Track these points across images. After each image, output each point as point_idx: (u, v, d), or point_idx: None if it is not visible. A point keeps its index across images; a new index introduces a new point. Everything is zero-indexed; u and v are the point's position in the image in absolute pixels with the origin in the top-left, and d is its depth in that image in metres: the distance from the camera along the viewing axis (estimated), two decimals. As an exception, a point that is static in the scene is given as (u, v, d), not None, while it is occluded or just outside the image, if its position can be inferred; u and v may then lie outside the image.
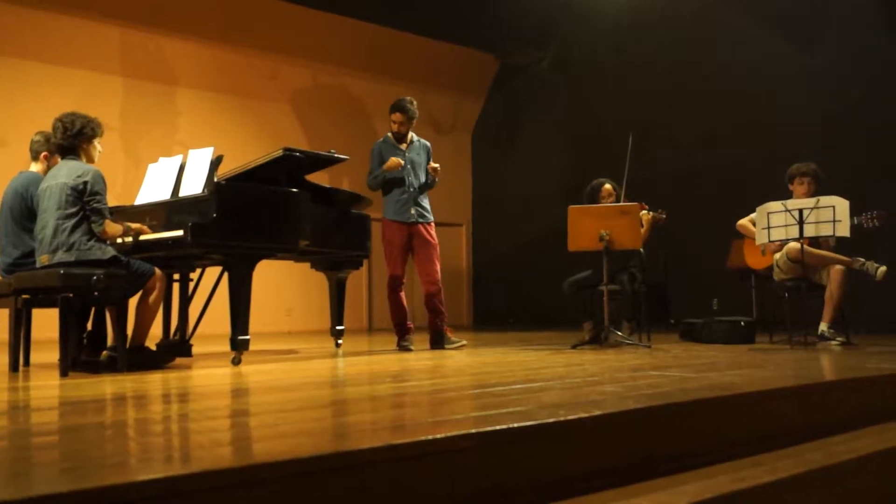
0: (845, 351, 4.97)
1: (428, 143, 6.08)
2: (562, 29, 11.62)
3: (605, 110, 10.80)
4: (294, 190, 4.77)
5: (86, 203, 4.10)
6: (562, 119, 11.73)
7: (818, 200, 5.16)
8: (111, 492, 1.36)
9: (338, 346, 5.86)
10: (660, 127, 9.88)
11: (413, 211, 5.81)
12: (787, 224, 5.23)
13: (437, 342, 5.86)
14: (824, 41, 8.72)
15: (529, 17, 11.14)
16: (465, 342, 5.95)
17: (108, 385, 3.46)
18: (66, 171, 4.17)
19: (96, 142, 4.38)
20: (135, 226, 4.41)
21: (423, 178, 5.94)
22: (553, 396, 2.59)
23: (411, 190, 5.82)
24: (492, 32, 11.50)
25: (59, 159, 4.42)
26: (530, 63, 12.12)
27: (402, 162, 5.78)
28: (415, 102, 5.93)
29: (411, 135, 5.97)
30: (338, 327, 5.84)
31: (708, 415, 2.41)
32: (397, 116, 5.86)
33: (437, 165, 5.93)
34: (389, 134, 5.94)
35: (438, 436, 1.78)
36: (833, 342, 5.35)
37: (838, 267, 5.39)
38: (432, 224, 5.95)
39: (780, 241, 5.41)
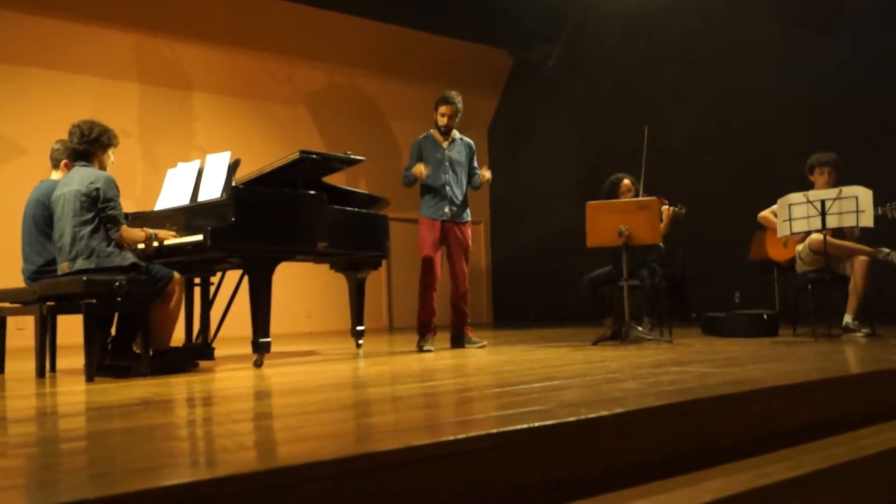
0: (870, 343, 4.92)
1: (471, 142, 6.02)
2: (573, 24, 11.57)
3: (621, 104, 10.75)
4: (311, 192, 4.78)
5: (100, 210, 4.14)
6: (578, 114, 11.69)
7: (840, 191, 5.11)
8: (138, 497, 1.38)
9: (358, 346, 5.88)
10: (677, 119, 9.82)
11: (447, 209, 5.75)
12: (809, 215, 5.19)
13: (458, 341, 5.86)
14: (842, 30, 8.63)
15: (541, 13, 11.10)
16: (485, 342, 5.93)
17: (132, 390, 3.49)
18: (79, 178, 4.21)
19: (111, 151, 4.43)
20: (162, 232, 4.44)
21: (462, 178, 5.87)
22: (574, 394, 2.59)
23: (446, 189, 5.77)
24: (505, 29, 11.48)
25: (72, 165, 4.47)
26: (540, 60, 12.08)
27: (424, 172, 5.68)
28: (460, 96, 5.88)
29: (454, 132, 5.91)
30: (358, 328, 5.85)
31: (731, 410, 2.39)
32: (445, 108, 5.79)
33: (488, 176, 5.84)
34: (432, 130, 5.88)
35: (460, 436, 1.79)
36: (858, 334, 5.29)
37: (862, 258, 5.34)
38: (468, 224, 5.90)
39: (803, 232, 5.36)
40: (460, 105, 5.85)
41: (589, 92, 11.50)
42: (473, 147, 6.02)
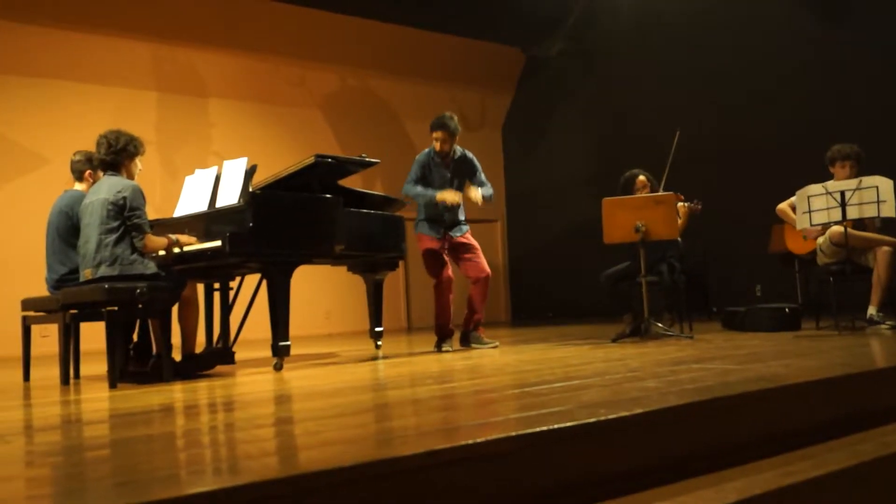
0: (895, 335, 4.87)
1: (471, 156, 5.82)
2: (579, 14, 11.51)
3: (635, 98, 10.70)
4: (327, 196, 4.80)
5: (126, 219, 4.19)
6: (592, 109, 11.64)
7: (860, 181, 5.05)
8: (163, 506, 1.39)
9: (377, 347, 5.89)
10: (693, 111, 9.76)
11: (444, 231, 5.67)
12: (829, 207, 5.13)
13: (465, 341, 5.78)
14: (859, 18, 8.54)
15: (550, 8, 11.07)
16: (497, 343, 5.87)
17: (155, 396, 3.53)
18: (107, 187, 4.27)
19: (138, 160, 4.50)
20: (184, 238, 4.49)
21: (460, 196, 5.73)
22: (593, 395, 2.58)
23: (446, 214, 5.66)
24: (515, 25, 11.45)
25: (100, 174, 4.54)
26: (549, 54, 12.05)
27: (459, 201, 5.57)
28: (455, 117, 5.66)
29: (455, 148, 5.72)
30: (377, 329, 5.86)
31: (753, 409, 2.37)
32: (440, 135, 5.60)
33: (474, 196, 5.63)
34: (436, 155, 5.68)
35: (480, 440, 1.79)
36: (882, 326, 5.22)
37: (885, 248, 5.27)
38: (468, 231, 5.81)
39: (822, 224, 5.30)
40: (456, 126, 5.64)
41: (602, 86, 11.45)
42: (473, 160, 5.82)
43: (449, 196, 5.53)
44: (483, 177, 5.85)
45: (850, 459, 2.12)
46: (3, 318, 7.23)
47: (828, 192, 5.13)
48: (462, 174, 5.76)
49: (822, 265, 5.61)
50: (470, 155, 5.85)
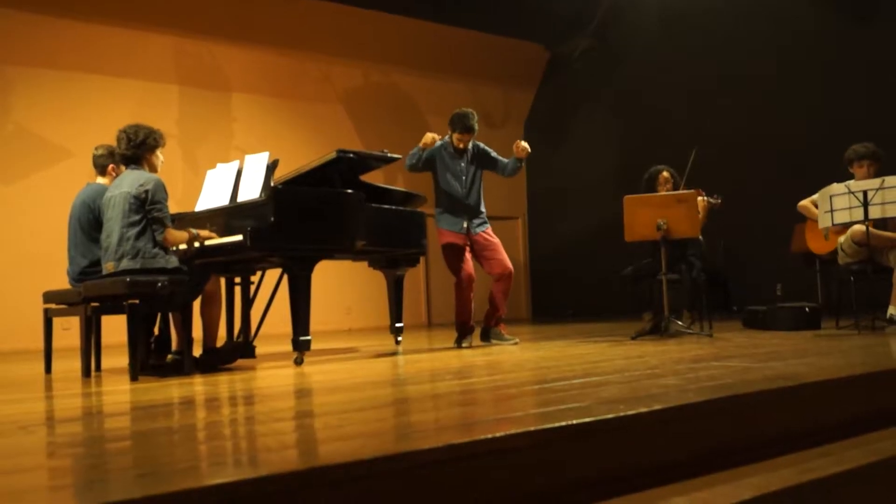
0: (916, 335, 4.82)
1: (483, 146, 5.84)
2: (604, 11, 11.44)
3: (659, 95, 10.64)
4: (349, 191, 4.82)
5: (147, 212, 4.22)
6: (615, 106, 11.59)
7: (883, 181, 5.00)
8: (183, 497, 1.41)
9: (398, 343, 5.91)
10: (716, 109, 9.70)
11: (465, 224, 5.67)
12: (851, 206, 5.08)
13: (486, 336, 5.79)
14: (888, 13, 8.43)
15: (575, 5, 11.02)
16: (518, 340, 5.86)
17: (175, 389, 3.57)
18: (130, 181, 4.30)
19: (159, 152, 4.51)
20: (204, 233, 4.53)
21: (479, 188, 5.77)
22: (613, 391, 2.58)
23: (465, 202, 5.67)
24: (540, 22, 11.42)
25: (123, 168, 4.58)
26: (573, 52, 11.99)
27: (437, 138, 5.62)
28: (476, 115, 5.69)
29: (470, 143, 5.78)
30: (397, 324, 5.88)
31: (771, 406, 2.37)
32: (464, 137, 5.66)
33: (524, 145, 5.66)
34: (451, 147, 5.72)
35: (499, 434, 1.80)
36: (903, 326, 5.18)
37: (906, 248, 5.22)
38: (489, 228, 5.80)
39: (844, 224, 5.25)
40: (477, 125, 5.69)
41: (626, 84, 11.39)
42: (485, 149, 5.85)
43: (428, 137, 5.60)
44: (496, 155, 5.89)
45: (867, 457, 2.11)
46: (26, 310, 7.36)
47: (850, 192, 5.09)
48: (481, 165, 5.82)
49: (843, 264, 5.56)
50: (482, 147, 5.87)
